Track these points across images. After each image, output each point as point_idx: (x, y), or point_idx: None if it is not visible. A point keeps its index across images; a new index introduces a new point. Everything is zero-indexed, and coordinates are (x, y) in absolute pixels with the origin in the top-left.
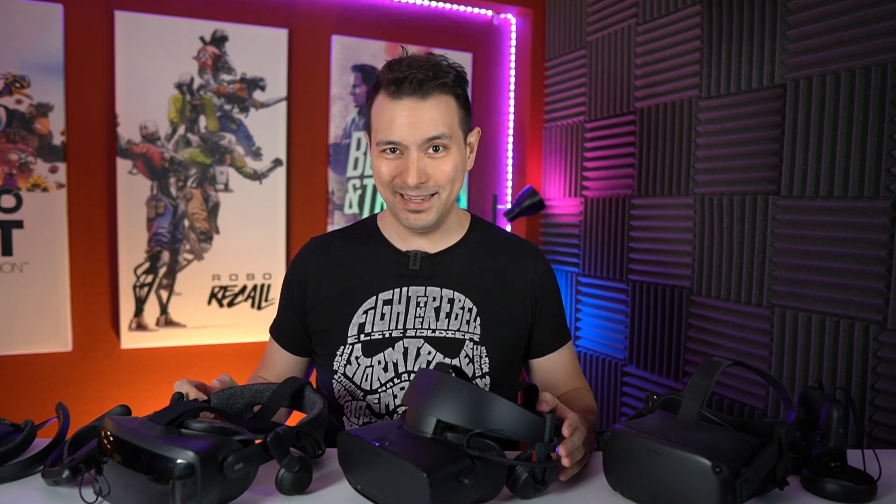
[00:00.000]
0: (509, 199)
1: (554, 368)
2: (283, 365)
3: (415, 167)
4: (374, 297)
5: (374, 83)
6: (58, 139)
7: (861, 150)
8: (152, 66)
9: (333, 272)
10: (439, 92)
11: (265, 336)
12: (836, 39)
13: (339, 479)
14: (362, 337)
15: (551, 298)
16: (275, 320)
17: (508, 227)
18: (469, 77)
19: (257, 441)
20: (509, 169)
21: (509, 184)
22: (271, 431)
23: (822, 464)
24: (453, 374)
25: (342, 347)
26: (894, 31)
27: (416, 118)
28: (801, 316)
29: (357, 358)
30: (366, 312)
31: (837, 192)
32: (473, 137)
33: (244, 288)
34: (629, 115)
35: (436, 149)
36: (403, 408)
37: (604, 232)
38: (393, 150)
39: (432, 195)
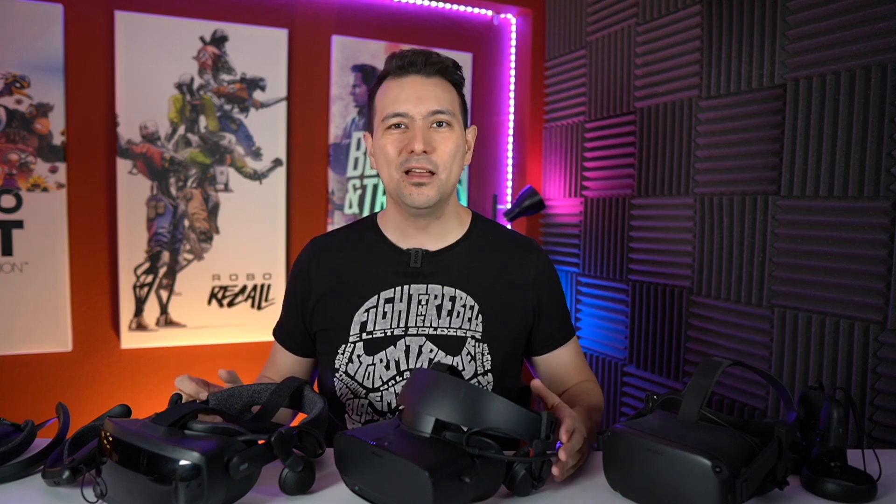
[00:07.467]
0: (509, 199)
1: (559, 364)
2: (286, 367)
3: (421, 135)
4: (377, 296)
5: (378, 76)
6: (58, 139)
7: (861, 150)
8: (152, 66)
9: (335, 272)
10: (441, 75)
11: (265, 336)
12: (836, 39)
13: (341, 479)
14: (364, 335)
15: (553, 294)
16: (278, 323)
17: (508, 227)
18: (469, 77)
19: (261, 441)
20: (509, 169)
21: (509, 184)
22: (275, 431)
23: (823, 464)
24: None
25: (343, 346)
26: (894, 31)
27: (421, 92)
28: (801, 316)
29: (359, 356)
30: (367, 311)
31: (837, 192)
32: (471, 135)
33: (244, 288)
34: (629, 115)
35: (440, 124)
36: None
37: (604, 232)
38: (398, 126)
39: (432, 174)
